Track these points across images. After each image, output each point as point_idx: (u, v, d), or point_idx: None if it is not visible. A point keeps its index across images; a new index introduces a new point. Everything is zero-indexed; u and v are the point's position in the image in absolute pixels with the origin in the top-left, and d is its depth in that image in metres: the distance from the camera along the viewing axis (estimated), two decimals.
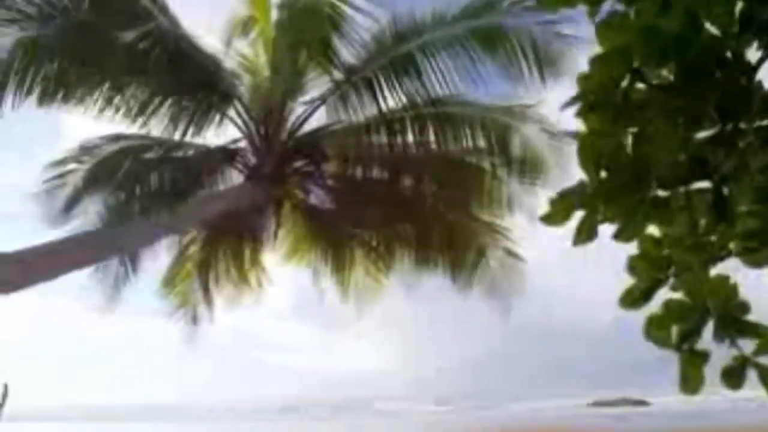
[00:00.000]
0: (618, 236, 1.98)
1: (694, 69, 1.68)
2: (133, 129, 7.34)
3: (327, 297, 10.10)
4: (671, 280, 1.85)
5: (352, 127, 7.25)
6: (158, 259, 9.33)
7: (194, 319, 10.00)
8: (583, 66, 1.78)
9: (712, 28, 1.69)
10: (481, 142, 7.15)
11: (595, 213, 1.78)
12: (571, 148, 2.13)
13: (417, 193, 8.02)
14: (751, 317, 1.89)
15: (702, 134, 1.93)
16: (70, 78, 6.54)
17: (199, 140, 7.71)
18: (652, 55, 1.68)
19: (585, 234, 1.80)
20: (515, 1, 6.21)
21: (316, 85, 7.30)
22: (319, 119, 7.48)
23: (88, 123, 7.43)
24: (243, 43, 8.42)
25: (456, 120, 7.04)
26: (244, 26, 8.47)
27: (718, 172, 1.92)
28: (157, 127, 7.29)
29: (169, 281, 9.64)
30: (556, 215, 1.78)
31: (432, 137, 7.26)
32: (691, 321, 2.02)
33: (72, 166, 8.48)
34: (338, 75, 7.00)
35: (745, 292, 1.90)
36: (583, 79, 1.71)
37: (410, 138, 7.31)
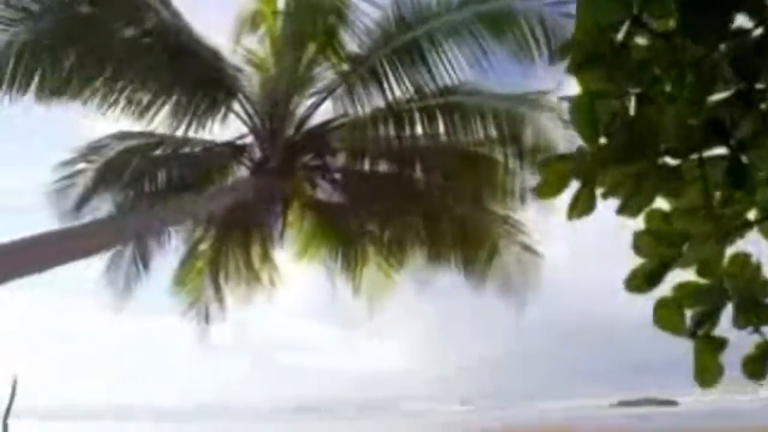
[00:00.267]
0: (622, 210, 1.77)
1: (706, 14, 1.47)
2: (139, 126, 7.28)
3: (344, 295, 9.99)
4: (683, 259, 1.64)
5: (359, 120, 7.09)
6: (169, 257, 9.34)
7: (206, 318, 9.96)
8: None
9: None
10: (493, 132, 6.93)
11: (592, 183, 1.58)
12: None
13: (427, 186, 7.83)
14: None
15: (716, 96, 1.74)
16: (75, 75, 6.52)
17: (206, 136, 7.66)
18: None
19: (581, 207, 1.60)
20: None
21: (322, 77, 7.15)
22: (326, 113, 7.34)
23: (98, 121, 7.43)
24: (251, 39, 8.36)
25: (466, 110, 6.82)
26: (253, 21, 8.39)
27: (734, 137, 1.71)
28: (163, 124, 7.23)
29: (180, 280, 9.61)
30: (549, 186, 1.59)
31: (441, 128, 7.06)
32: (706, 304, 1.81)
33: (81, 165, 8.49)
34: (344, 66, 6.85)
35: None
36: (577, 30, 1.51)
37: (419, 130, 7.12)
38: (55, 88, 6.57)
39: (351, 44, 6.70)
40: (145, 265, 9.20)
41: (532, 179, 7.42)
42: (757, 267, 1.78)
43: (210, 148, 7.70)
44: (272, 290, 10.20)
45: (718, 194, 1.75)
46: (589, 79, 1.56)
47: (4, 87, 6.25)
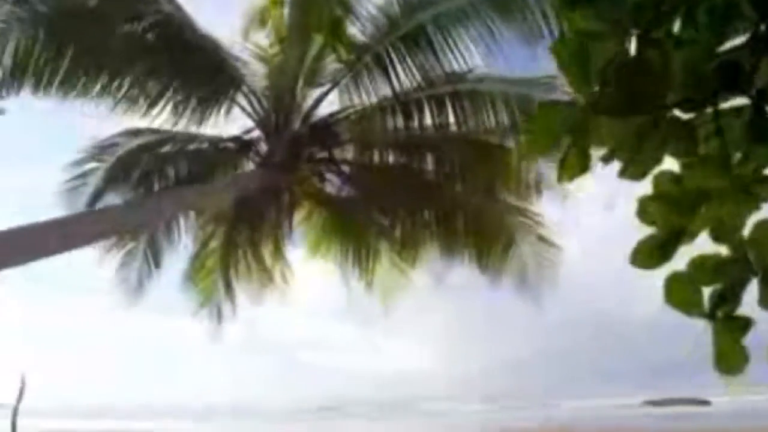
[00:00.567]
0: (624, 173, 1.55)
1: None
2: (145, 122, 7.23)
3: (364, 294, 9.83)
4: (697, 222, 1.41)
5: (366, 111, 6.92)
6: (180, 255, 9.29)
7: (219, 317, 9.90)
8: None
9: None
10: (505, 120, 6.68)
11: (585, 139, 1.37)
12: None
13: (438, 178, 7.62)
14: None
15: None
16: (80, 72, 6.48)
17: (213, 132, 7.59)
18: None
19: (572, 167, 1.39)
20: None
21: (328, 68, 6.99)
22: (332, 105, 7.18)
23: (104, 119, 7.39)
24: (258, 32, 8.25)
25: (475, 97, 6.59)
26: (261, 16, 8.28)
27: (754, 86, 1.47)
28: (169, 120, 7.16)
29: (192, 278, 9.55)
30: (535, 141, 1.38)
31: (451, 117, 6.84)
32: (727, 279, 1.58)
33: (93, 164, 8.48)
34: (349, 55, 6.67)
35: None
36: None
37: (428, 119, 6.91)
38: (59, 85, 6.55)
39: (356, 32, 6.52)
40: (157, 264, 9.18)
41: (546, 168, 7.17)
42: None
43: (217, 143, 7.61)
44: (288, 289, 10.14)
45: (737, 155, 1.52)
46: (580, 18, 1.35)
47: (6, 84, 6.25)
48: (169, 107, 7.00)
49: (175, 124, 7.13)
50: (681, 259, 1.63)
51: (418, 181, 7.54)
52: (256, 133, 7.38)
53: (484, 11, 5.82)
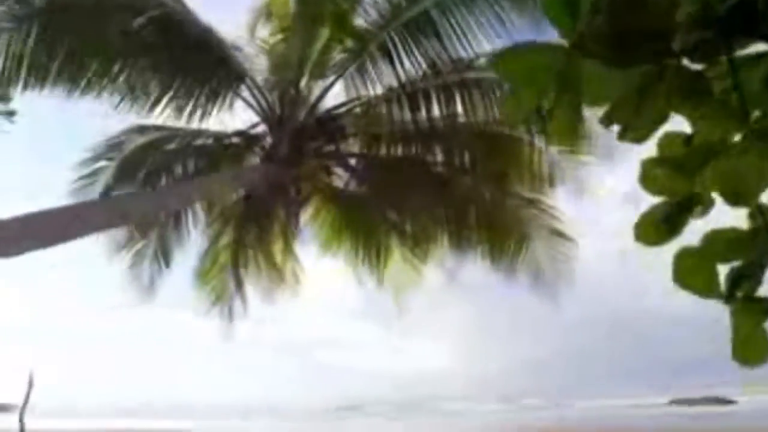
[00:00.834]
0: (623, 135, 1.36)
1: None
2: (150, 118, 7.16)
3: (383, 294, 9.69)
4: (707, 179, 1.20)
5: (372, 102, 6.75)
6: (191, 253, 9.24)
7: (230, 315, 9.84)
8: None
9: None
10: None
11: (574, 90, 1.17)
12: None
13: (448, 171, 7.41)
14: None
15: None
16: (86, 69, 6.44)
17: (219, 127, 7.50)
18: None
19: (559, 122, 1.20)
20: None
21: (332, 58, 6.83)
22: (338, 97, 7.02)
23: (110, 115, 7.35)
24: (263, 26, 8.16)
25: (484, 85, 6.37)
26: (267, 9, 8.19)
27: None
28: (173, 115, 7.09)
29: (203, 277, 9.50)
30: (515, 95, 1.20)
31: (459, 107, 6.63)
32: (746, 255, 1.37)
33: (102, 163, 8.47)
34: (353, 45, 6.51)
35: None
36: None
37: (436, 110, 6.71)
38: (63, 84, 6.52)
39: (360, 21, 6.35)
40: (167, 263, 9.14)
41: (559, 157, 6.92)
42: None
43: (222, 138, 7.52)
44: (301, 288, 10.05)
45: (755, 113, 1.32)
46: None
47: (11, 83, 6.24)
48: (173, 103, 6.93)
49: (180, 119, 7.05)
50: (693, 236, 1.43)
51: (428, 175, 7.36)
52: (262, 128, 7.27)
53: None
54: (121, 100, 6.96)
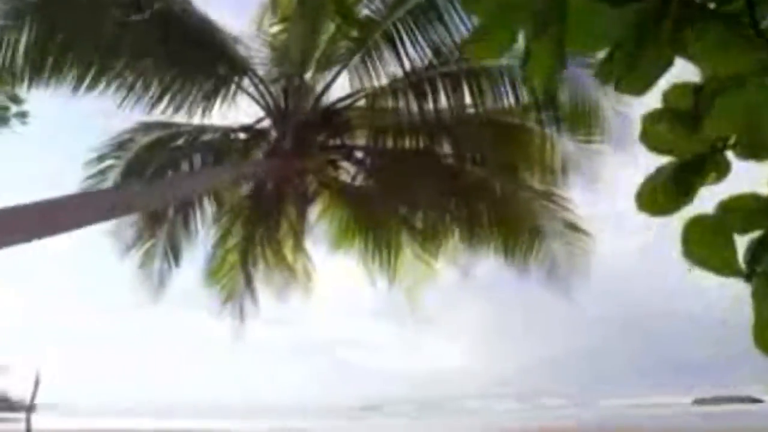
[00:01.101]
0: (620, 85, 1.17)
1: None
2: (154, 115, 7.10)
3: (387, 289, 9.53)
4: (714, 111, 1.01)
5: (378, 93, 6.58)
6: (200, 252, 9.18)
7: (242, 314, 9.75)
8: None
9: None
10: (524, 97, 6.23)
11: (556, 29, 0.98)
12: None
13: (458, 163, 7.21)
14: None
15: None
16: (85, 64, 6.38)
17: (224, 122, 7.41)
18: None
19: (541, 63, 1.02)
20: None
21: (336, 49, 6.68)
22: (342, 89, 6.86)
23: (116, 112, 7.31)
24: (269, 20, 8.04)
25: (492, 73, 6.16)
26: (273, 3, 8.07)
27: None
28: (178, 111, 7.00)
29: (213, 276, 9.43)
30: (486, 45, 1.02)
31: (467, 97, 6.42)
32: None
33: (110, 162, 8.45)
34: (357, 34, 6.34)
35: None
36: None
37: (443, 100, 6.51)
38: (68, 81, 6.48)
39: (362, 9, 6.18)
40: (177, 261, 9.09)
41: (572, 147, 6.67)
42: None
43: (228, 133, 7.43)
44: (313, 286, 9.94)
45: None
46: None
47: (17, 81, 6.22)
48: (177, 99, 6.85)
49: (185, 115, 6.97)
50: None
51: (436, 167, 7.16)
52: (267, 122, 7.15)
53: None
54: (125, 97, 6.90)
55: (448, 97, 6.50)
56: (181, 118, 7.24)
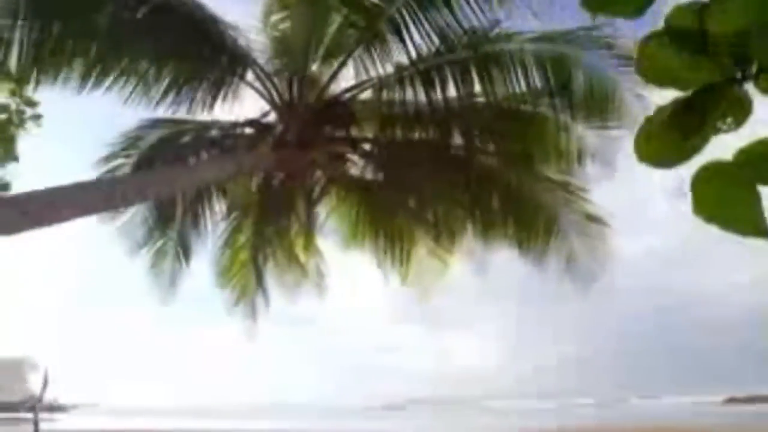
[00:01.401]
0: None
1: None
2: (159, 111, 7.03)
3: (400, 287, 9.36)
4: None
5: (384, 82, 6.39)
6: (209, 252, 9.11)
7: (253, 314, 9.66)
8: None
9: None
10: (537, 83, 5.98)
11: None
12: None
13: (468, 154, 6.98)
14: None
15: None
16: (90, 61, 6.34)
17: (230, 117, 7.32)
18: None
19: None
20: None
21: (341, 39, 6.52)
22: (348, 80, 6.70)
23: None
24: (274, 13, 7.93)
25: (502, 59, 5.92)
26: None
27: None
28: (184, 106, 6.94)
29: (224, 276, 9.35)
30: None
31: (477, 85, 6.20)
32: None
33: (120, 161, 8.43)
34: (361, 23, 6.17)
35: None
36: None
37: (452, 88, 6.29)
38: (74, 79, 6.45)
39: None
40: (187, 260, 9.04)
41: (587, 134, 6.40)
42: None
43: (235, 128, 7.33)
44: (326, 285, 9.81)
45: None
46: None
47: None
48: (183, 93, 6.78)
49: (189, 111, 6.89)
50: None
51: (446, 159, 6.94)
52: (273, 116, 7.02)
53: None
54: (131, 93, 6.85)
55: (456, 85, 6.29)
56: (184, 114, 7.19)
